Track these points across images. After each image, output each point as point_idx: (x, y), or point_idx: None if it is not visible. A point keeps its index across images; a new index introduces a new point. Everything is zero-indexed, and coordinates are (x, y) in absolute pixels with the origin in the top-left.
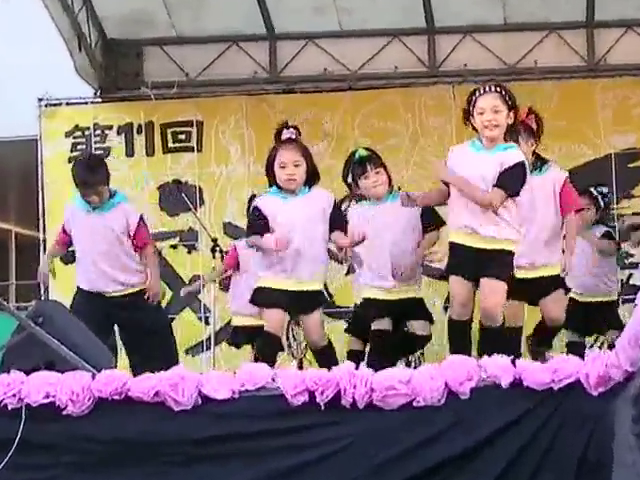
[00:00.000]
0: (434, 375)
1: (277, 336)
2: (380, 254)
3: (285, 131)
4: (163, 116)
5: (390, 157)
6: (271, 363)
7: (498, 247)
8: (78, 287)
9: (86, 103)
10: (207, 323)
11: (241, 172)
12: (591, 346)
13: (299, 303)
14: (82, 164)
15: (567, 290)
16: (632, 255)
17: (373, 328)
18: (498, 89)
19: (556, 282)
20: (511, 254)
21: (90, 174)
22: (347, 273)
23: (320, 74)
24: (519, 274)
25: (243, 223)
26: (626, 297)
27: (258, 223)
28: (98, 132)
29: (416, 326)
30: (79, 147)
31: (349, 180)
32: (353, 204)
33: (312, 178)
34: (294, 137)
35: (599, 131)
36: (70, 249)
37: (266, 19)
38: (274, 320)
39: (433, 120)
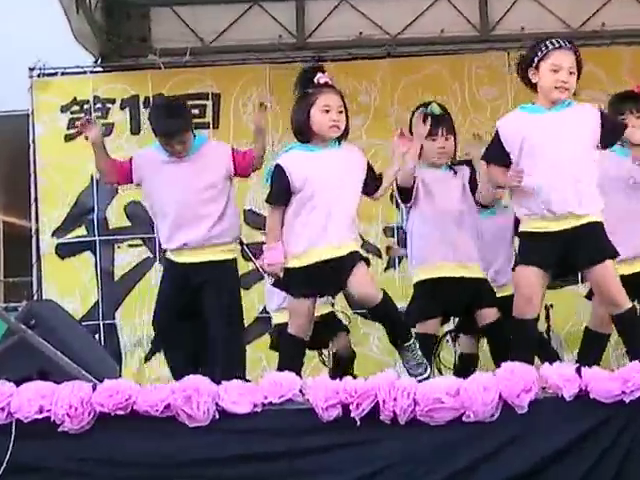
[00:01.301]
0: (487, 386)
1: (301, 338)
2: None
3: (321, 75)
4: (174, 88)
5: None
6: (298, 370)
7: None
8: None
9: (85, 73)
10: None
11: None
12: None
13: (333, 273)
14: (159, 109)
15: None
16: None
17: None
18: (573, 47)
19: None
20: None
21: (172, 120)
22: (386, 268)
23: (355, 39)
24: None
25: (265, 211)
26: None
27: (280, 189)
28: (99, 106)
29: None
30: (77, 123)
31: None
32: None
33: (345, 132)
34: (330, 82)
35: None
36: None
37: None
38: (301, 314)
39: (485, 91)
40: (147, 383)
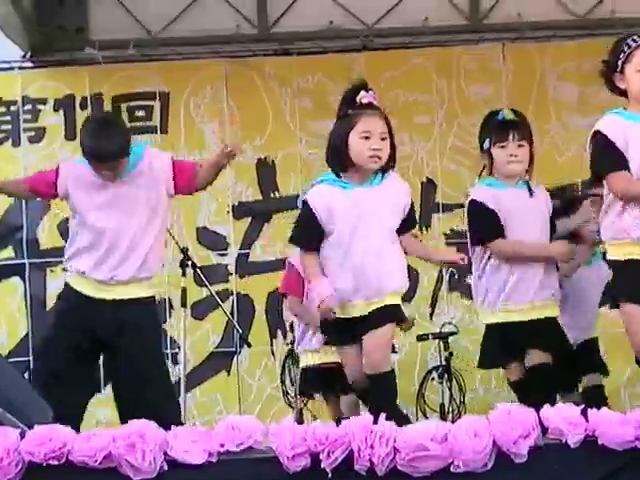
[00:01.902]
0: (479, 431)
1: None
2: None
3: (364, 93)
4: (116, 86)
5: (420, 139)
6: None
7: None
8: None
9: (12, 69)
10: (175, 362)
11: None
12: None
13: (365, 325)
14: (89, 127)
15: None
16: None
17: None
18: None
19: None
20: None
21: (103, 143)
22: None
23: (325, 29)
24: None
25: (224, 228)
26: None
27: (309, 231)
28: (28, 107)
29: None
30: (3, 128)
31: (485, 146)
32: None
33: (390, 162)
34: (375, 103)
35: None
36: None
37: None
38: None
39: (477, 90)
40: (88, 428)
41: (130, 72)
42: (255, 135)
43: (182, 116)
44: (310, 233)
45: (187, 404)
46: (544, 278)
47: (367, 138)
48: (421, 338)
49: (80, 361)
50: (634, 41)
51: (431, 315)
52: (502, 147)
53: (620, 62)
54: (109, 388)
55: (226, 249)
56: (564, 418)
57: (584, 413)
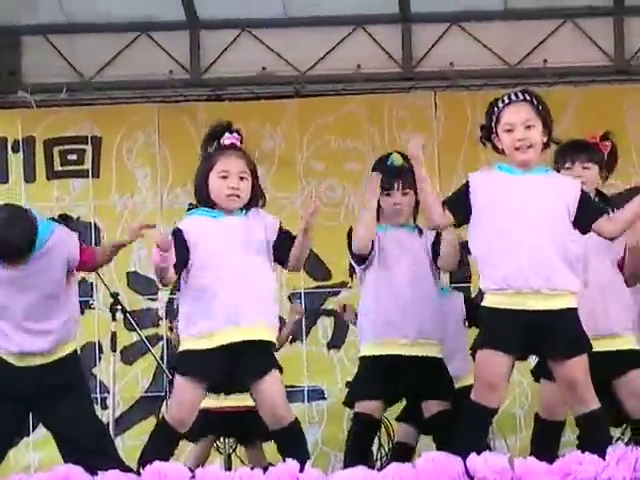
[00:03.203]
0: (405, 478)
1: (175, 430)
2: None
3: (228, 135)
4: (48, 130)
5: (351, 185)
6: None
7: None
8: None
9: None
10: (104, 407)
11: (152, 205)
12: (617, 439)
13: (242, 364)
14: None
15: None
16: None
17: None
18: (527, 96)
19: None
20: None
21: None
22: (292, 340)
23: (258, 75)
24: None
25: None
26: None
27: (179, 252)
28: None
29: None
30: None
31: None
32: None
33: (255, 200)
34: (239, 144)
35: (630, 153)
36: None
37: (186, 1)
38: (187, 402)
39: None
40: (12, 473)
41: (62, 116)
42: (187, 180)
43: (114, 160)
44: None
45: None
46: None
47: (225, 177)
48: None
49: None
50: (502, 101)
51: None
52: (388, 195)
53: (493, 124)
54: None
55: (156, 293)
56: (490, 467)
57: (510, 462)
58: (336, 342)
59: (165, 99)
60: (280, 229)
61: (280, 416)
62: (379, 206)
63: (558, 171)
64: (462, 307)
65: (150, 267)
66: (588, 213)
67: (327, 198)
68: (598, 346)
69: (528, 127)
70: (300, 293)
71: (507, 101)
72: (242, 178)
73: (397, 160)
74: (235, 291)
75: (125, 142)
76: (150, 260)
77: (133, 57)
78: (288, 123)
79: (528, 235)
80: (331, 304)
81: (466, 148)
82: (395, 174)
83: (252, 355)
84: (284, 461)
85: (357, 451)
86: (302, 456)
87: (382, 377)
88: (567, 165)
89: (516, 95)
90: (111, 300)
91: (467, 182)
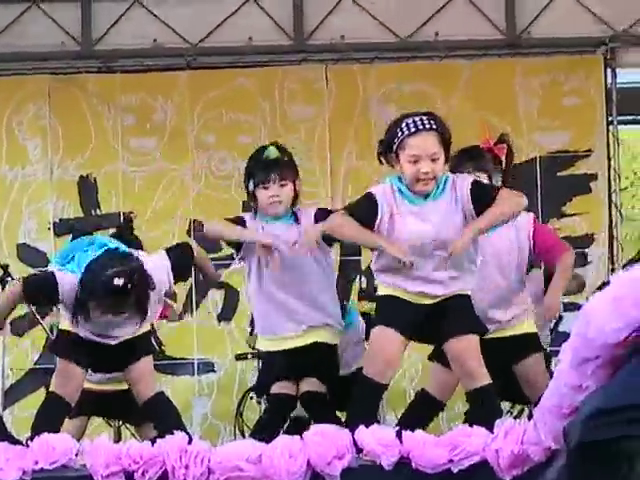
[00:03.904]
0: (293, 451)
1: (65, 400)
2: None
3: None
4: None
5: (243, 158)
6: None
7: None
8: None
9: None
10: None
11: (43, 176)
12: (507, 412)
13: (116, 353)
14: None
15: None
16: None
17: None
18: (434, 124)
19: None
20: None
21: None
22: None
23: (149, 47)
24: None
25: (45, 244)
26: (556, 348)
27: None
28: None
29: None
30: None
31: (250, 188)
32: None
33: None
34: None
35: (520, 127)
36: None
37: None
38: (70, 377)
39: (299, 110)
40: None
41: None
42: (77, 152)
43: (4, 131)
44: None
45: (6, 421)
46: None
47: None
48: (240, 357)
49: None
50: (408, 128)
51: (251, 334)
52: (265, 188)
53: (395, 146)
54: None
55: (46, 266)
56: (378, 440)
57: (399, 435)
58: (226, 314)
59: (56, 71)
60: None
61: (148, 390)
62: (256, 199)
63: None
64: None
65: (40, 239)
66: (482, 199)
67: (218, 170)
68: (498, 331)
69: (433, 160)
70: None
71: (413, 130)
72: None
73: (273, 153)
74: None
75: (15, 114)
76: (40, 232)
77: (24, 28)
78: (179, 95)
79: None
80: (221, 276)
81: (357, 121)
82: (271, 166)
83: (130, 346)
84: (157, 431)
85: (268, 428)
86: (173, 425)
87: (279, 365)
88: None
89: (423, 123)
90: (0, 272)
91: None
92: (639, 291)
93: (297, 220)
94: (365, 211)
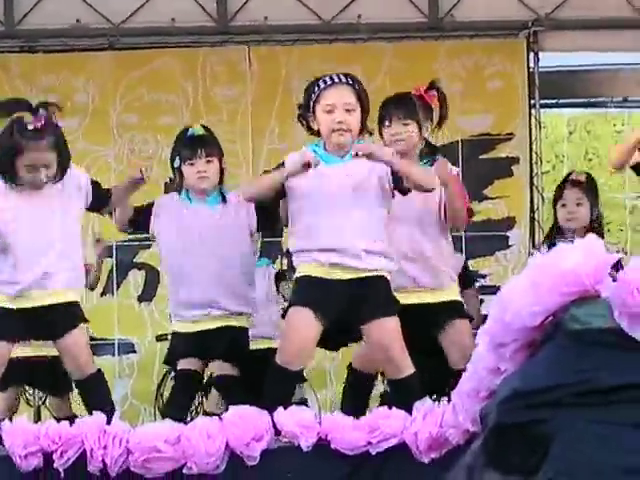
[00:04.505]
0: (212, 433)
1: None
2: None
3: (33, 119)
4: None
5: (165, 139)
6: None
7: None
8: None
9: None
10: None
11: None
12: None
13: (41, 323)
14: None
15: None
16: (484, 276)
17: None
18: (350, 80)
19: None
20: None
21: None
22: (103, 293)
23: (71, 27)
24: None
25: None
26: (476, 331)
27: None
28: None
29: None
30: None
31: (175, 164)
32: (175, 197)
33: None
34: (41, 126)
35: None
36: None
37: None
38: None
39: (222, 91)
40: None
41: None
42: None
43: None
44: None
45: None
46: None
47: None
48: (160, 338)
49: None
50: (324, 82)
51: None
52: (191, 164)
53: (311, 103)
54: None
55: None
56: (297, 421)
57: (318, 417)
58: (147, 295)
59: None
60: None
61: (82, 366)
62: (182, 176)
63: (380, 132)
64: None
65: None
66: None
67: (140, 151)
68: (422, 298)
69: (348, 110)
70: (112, 245)
71: (329, 82)
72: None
73: (198, 130)
74: (39, 254)
75: None
76: None
77: None
78: (102, 76)
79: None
80: (142, 257)
81: (279, 102)
82: (197, 143)
83: (58, 315)
84: (88, 412)
85: (176, 405)
86: (105, 406)
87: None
88: (386, 123)
89: (338, 77)
90: None
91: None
92: (555, 276)
93: (224, 200)
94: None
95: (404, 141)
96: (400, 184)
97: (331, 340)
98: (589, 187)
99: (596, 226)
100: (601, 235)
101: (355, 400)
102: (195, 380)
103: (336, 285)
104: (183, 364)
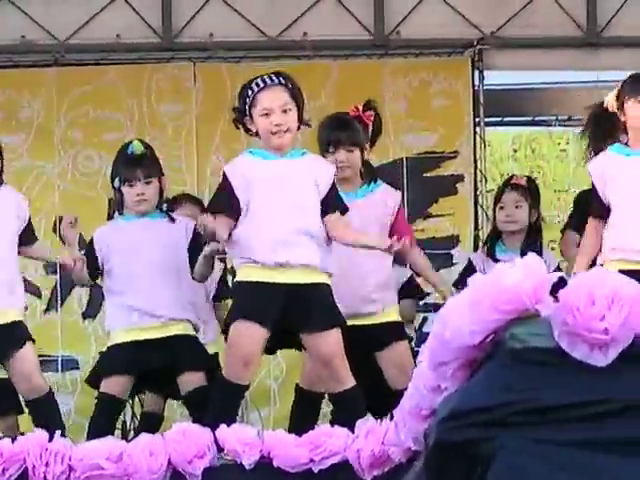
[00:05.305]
0: (154, 450)
1: None
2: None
3: None
4: None
5: (110, 156)
6: None
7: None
8: None
9: None
10: None
11: None
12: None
13: None
14: None
15: None
16: (428, 294)
17: None
18: (282, 80)
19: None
20: None
21: None
22: (46, 310)
23: (17, 44)
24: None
25: None
26: (419, 349)
27: None
28: None
29: None
30: None
31: (115, 185)
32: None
33: None
34: None
35: (387, 127)
36: None
37: None
38: None
39: (167, 108)
40: None
41: None
42: None
43: None
44: None
45: None
46: None
47: None
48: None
49: None
50: (257, 85)
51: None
52: (130, 186)
53: (247, 107)
54: None
55: None
56: (240, 439)
57: (260, 434)
58: (91, 312)
59: None
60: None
61: (35, 386)
62: (123, 195)
63: (322, 154)
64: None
65: None
66: (329, 202)
67: (84, 168)
68: (361, 319)
69: (285, 111)
70: (56, 262)
71: (262, 85)
72: None
73: (137, 148)
74: None
75: None
76: None
77: None
78: (47, 92)
79: (278, 214)
80: None
81: (225, 119)
82: (136, 164)
83: (2, 337)
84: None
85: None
86: (56, 426)
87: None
88: (331, 149)
89: (271, 78)
90: None
91: (225, 175)
92: (495, 294)
93: (172, 220)
94: (222, 200)
95: (350, 168)
96: None
97: (271, 344)
98: (529, 190)
99: (535, 229)
100: (540, 237)
101: (303, 419)
102: (115, 407)
103: (277, 289)
104: (108, 385)
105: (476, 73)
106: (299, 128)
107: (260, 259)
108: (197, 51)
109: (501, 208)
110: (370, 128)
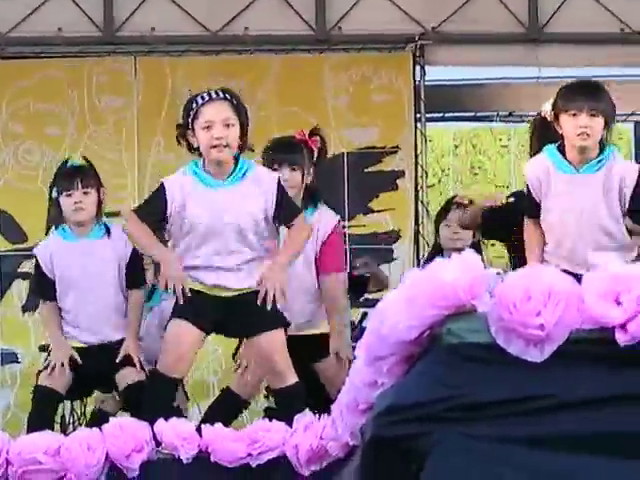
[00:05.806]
0: (92, 444)
1: None
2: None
3: None
4: None
5: (50, 149)
6: None
7: None
8: None
9: None
10: None
11: None
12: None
13: None
14: None
15: None
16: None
17: None
18: (228, 95)
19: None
20: None
21: None
22: None
23: None
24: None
25: None
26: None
27: None
28: None
29: None
30: None
31: (54, 195)
32: (54, 239)
33: None
34: None
35: (328, 122)
36: None
37: None
38: None
39: (108, 102)
40: None
41: None
42: None
43: None
44: None
45: None
46: None
47: None
48: (44, 348)
49: None
50: (202, 98)
51: None
52: (68, 195)
53: (190, 120)
54: None
55: None
56: (177, 433)
57: (199, 429)
58: (30, 305)
59: None
60: None
61: None
62: (60, 208)
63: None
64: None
65: None
66: (284, 211)
67: (25, 161)
68: (305, 329)
69: (227, 125)
70: None
71: (207, 98)
72: None
73: (77, 162)
74: None
75: None
76: None
77: None
78: None
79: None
80: (26, 267)
81: (166, 113)
82: (74, 174)
83: None
84: None
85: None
86: None
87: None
88: (275, 167)
89: (217, 93)
90: None
91: (163, 188)
92: (432, 290)
93: (109, 233)
94: (152, 205)
95: (292, 188)
96: None
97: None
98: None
99: (477, 249)
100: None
101: (218, 415)
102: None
103: (217, 298)
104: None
105: (417, 68)
106: (242, 149)
107: (199, 279)
108: (138, 45)
109: (447, 226)
110: (315, 153)
